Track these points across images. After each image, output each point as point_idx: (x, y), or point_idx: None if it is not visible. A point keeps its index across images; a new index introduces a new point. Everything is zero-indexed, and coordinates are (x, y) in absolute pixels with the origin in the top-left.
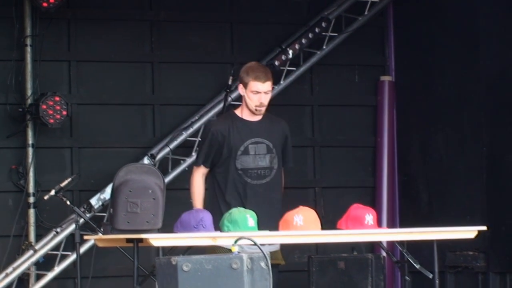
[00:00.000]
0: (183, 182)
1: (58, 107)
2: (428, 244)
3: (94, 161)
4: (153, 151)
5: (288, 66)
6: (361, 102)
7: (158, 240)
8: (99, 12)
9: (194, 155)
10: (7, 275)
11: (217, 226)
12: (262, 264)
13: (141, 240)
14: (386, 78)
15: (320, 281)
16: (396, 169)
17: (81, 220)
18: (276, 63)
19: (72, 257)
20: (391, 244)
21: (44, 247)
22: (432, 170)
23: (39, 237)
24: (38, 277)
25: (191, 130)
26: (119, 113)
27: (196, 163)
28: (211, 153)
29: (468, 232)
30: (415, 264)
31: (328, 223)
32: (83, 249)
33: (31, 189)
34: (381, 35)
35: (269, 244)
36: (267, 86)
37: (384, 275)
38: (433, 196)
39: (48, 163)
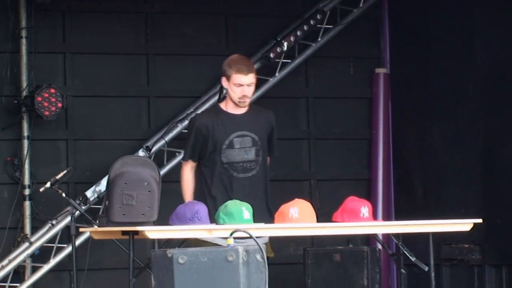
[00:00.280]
0: (179, 174)
1: (53, 99)
2: (423, 236)
3: (90, 154)
4: (149, 144)
5: (283, 59)
6: (356, 95)
7: (154, 232)
8: (94, 4)
9: None
10: (2, 267)
11: (212, 219)
12: (258, 256)
13: (136, 232)
14: (381, 71)
15: (316, 274)
16: (392, 161)
17: (77, 213)
18: (271, 55)
19: (68, 249)
20: (387, 236)
21: (40, 239)
22: (428, 163)
23: (34, 230)
24: (34, 270)
25: (186, 122)
26: (115, 105)
27: (183, 158)
28: (196, 147)
29: (464, 224)
30: (410, 257)
31: (323, 215)
32: (78, 241)
33: (26, 181)
34: (376, 27)
35: (257, 237)
36: (249, 78)
37: (380, 268)
38: (428, 189)
39: (43, 155)
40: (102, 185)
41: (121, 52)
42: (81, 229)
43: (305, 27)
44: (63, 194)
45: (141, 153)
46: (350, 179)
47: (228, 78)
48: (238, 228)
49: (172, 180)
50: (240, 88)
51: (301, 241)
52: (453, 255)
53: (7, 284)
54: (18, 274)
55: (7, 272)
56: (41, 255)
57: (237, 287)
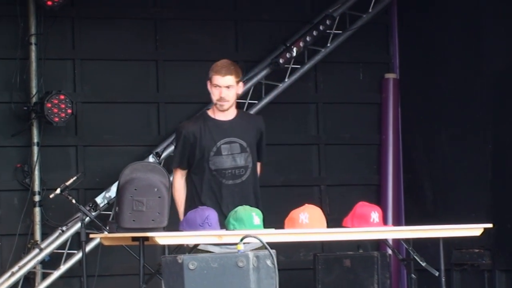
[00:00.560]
0: None
1: (63, 106)
2: (433, 241)
3: (99, 160)
4: (158, 149)
5: (293, 64)
6: (365, 100)
7: (164, 238)
8: (104, 11)
9: None
10: (13, 274)
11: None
12: (268, 262)
13: (147, 238)
14: (390, 76)
15: (326, 279)
16: (401, 166)
17: (87, 219)
18: (281, 61)
19: (78, 255)
20: (397, 242)
21: (50, 245)
22: (437, 168)
23: (44, 236)
24: (44, 276)
25: None
26: (124, 111)
27: (172, 166)
28: (184, 155)
29: (474, 229)
30: (421, 262)
31: (333, 221)
32: (88, 247)
33: (36, 187)
34: (385, 33)
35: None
36: (227, 80)
37: (390, 273)
38: (438, 193)
39: (53, 161)
40: (112, 191)
41: (130, 58)
42: (91, 235)
43: (315, 33)
44: (73, 200)
45: (151, 159)
46: (360, 184)
47: (210, 80)
48: (248, 234)
49: None
50: (218, 89)
51: (311, 247)
52: (463, 260)
53: None
54: (29, 280)
55: (18, 279)
56: (51, 262)
57: None
